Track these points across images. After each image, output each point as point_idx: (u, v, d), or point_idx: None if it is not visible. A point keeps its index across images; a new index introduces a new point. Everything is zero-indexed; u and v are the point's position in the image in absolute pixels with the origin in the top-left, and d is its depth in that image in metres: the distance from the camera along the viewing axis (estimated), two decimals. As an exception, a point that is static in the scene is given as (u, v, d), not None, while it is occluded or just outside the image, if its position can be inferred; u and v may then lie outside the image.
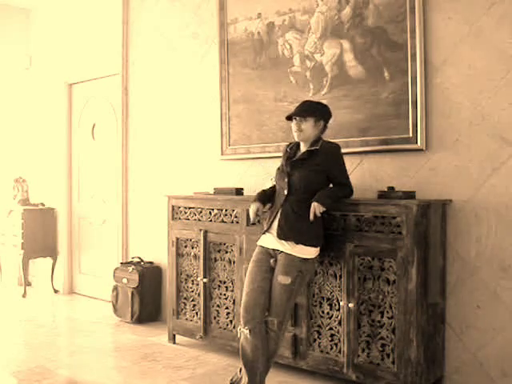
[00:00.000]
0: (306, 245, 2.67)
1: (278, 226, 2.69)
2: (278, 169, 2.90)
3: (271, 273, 2.72)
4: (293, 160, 2.82)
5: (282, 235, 2.68)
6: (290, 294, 2.66)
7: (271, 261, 2.74)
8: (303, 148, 2.85)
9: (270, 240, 2.75)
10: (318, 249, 2.74)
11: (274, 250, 2.74)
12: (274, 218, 2.74)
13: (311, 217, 2.65)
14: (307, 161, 2.77)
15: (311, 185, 2.72)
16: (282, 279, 2.65)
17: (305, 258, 2.67)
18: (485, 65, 2.74)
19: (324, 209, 2.66)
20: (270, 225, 2.75)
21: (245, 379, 2.67)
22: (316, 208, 2.65)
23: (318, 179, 2.74)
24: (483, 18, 2.75)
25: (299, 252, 2.66)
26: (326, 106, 2.90)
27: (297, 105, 2.93)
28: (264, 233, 2.79)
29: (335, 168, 2.78)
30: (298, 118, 2.80)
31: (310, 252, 2.69)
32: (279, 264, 2.69)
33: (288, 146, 2.95)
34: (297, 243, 2.65)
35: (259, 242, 2.83)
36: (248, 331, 2.64)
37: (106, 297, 4.97)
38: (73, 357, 3.55)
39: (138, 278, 4.25)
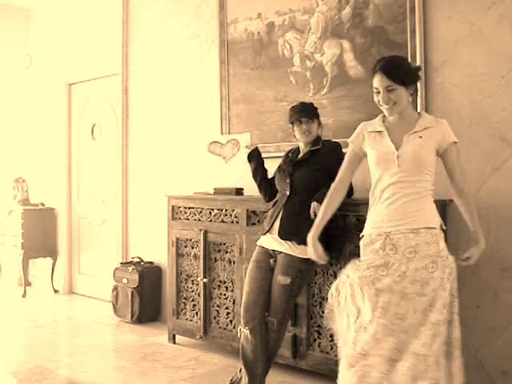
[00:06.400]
0: (307, 245, 2.66)
1: (281, 226, 2.69)
2: (279, 171, 2.90)
3: (271, 273, 2.72)
4: (295, 161, 2.82)
5: (284, 236, 2.68)
6: (290, 294, 2.66)
7: (271, 261, 2.74)
8: (304, 150, 2.85)
9: (270, 241, 2.75)
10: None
11: (273, 250, 2.74)
12: (276, 218, 2.74)
13: (311, 216, 2.65)
14: (309, 160, 2.77)
15: (313, 184, 2.71)
16: (281, 279, 2.65)
17: (304, 259, 2.66)
18: (485, 65, 2.74)
19: (323, 208, 2.66)
20: (271, 226, 2.75)
21: (245, 379, 2.67)
22: (316, 208, 2.64)
23: (320, 178, 2.72)
24: (483, 18, 2.75)
25: (299, 252, 2.65)
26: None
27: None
28: (264, 234, 2.79)
29: (337, 166, 2.78)
30: (306, 120, 2.78)
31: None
32: (279, 264, 2.68)
33: (289, 151, 2.96)
34: (299, 243, 2.65)
35: (259, 242, 2.83)
36: (248, 331, 2.64)
37: (105, 297, 4.97)
38: (73, 357, 3.55)
39: (138, 278, 4.25)
